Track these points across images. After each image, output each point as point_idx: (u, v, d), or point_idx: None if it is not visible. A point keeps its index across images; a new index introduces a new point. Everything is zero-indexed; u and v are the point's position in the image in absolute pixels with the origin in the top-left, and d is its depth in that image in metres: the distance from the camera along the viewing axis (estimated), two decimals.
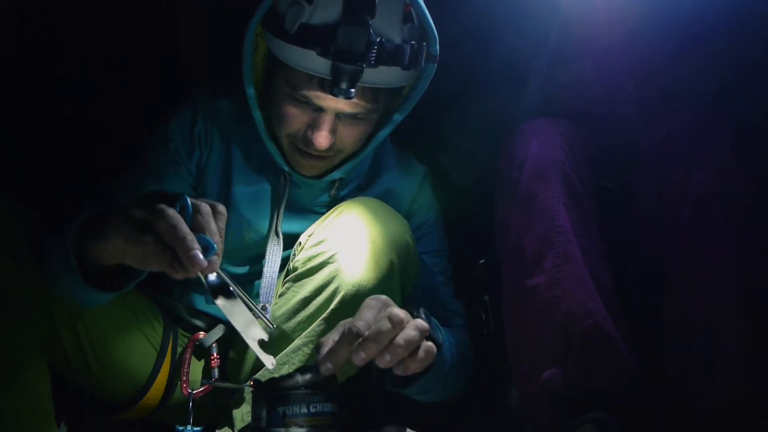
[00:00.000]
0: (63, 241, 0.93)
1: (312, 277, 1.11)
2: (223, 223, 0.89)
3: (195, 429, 1.12)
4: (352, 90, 1.09)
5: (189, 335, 1.24)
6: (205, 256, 0.83)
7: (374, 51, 1.07)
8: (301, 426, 0.88)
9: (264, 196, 1.26)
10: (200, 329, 1.24)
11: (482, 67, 1.41)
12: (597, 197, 1.21)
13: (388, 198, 1.29)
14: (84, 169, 1.50)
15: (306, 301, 1.11)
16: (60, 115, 1.55)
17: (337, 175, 1.24)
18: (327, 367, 0.89)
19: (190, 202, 0.85)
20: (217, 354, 1.20)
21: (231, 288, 0.92)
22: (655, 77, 1.27)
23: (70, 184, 1.47)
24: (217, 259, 0.86)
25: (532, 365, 1.10)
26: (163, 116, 1.25)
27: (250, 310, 0.95)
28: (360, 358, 0.88)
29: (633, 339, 1.10)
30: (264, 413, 0.89)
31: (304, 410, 0.88)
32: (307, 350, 1.10)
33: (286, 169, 1.23)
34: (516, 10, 1.33)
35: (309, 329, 1.10)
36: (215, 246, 0.84)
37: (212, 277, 0.89)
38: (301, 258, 1.14)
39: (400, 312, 0.91)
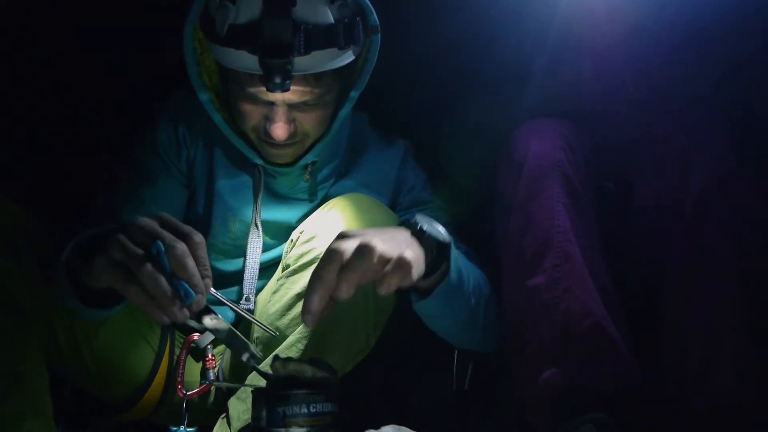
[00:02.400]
0: (59, 268, 0.95)
1: (304, 273, 1.11)
2: (203, 251, 0.89)
3: (189, 430, 1.12)
4: (288, 82, 1.09)
5: (185, 337, 1.24)
6: (185, 301, 0.86)
7: (301, 39, 1.06)
8: (301, 426, 0.87)
9: (245, 188, 1.28)
10: (196, 331, 1.24)
11: (482, 67, 1.41)
12: (597, 197, 1.21)
13: (372, 176, 1.30)
14: (83, 168, 1.50)
15: (298, 297, 1.11)
16: (59, 116, 1.55)
17: (308, 158, 1.24)
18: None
19: (162, 247, 0.86)
20: (212, 355, 1.20)
21: (229, 306, 0.97)
22: (655, 77, 1.27)
23: (69, 185, 1.48)
24: (199, 302, 0.88)
25: (532, 365, 1.10)
26: (148, 121, 1.27)
27: (250, 322, 0.98)
28: (311, 304, 0.87)
29: (633, 339, 1.10)
30: (264, 413, 0.89)
31: (304, 410, 0.87)
32: (301, 346, 1.09)
33: (258, 162, 1.24)
34: (516, 10, 1.33)
35: (302, 325, 1.10)
36: (192, 294, 0.86)
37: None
38: (293, 255, 1.15)
39: (338, 244, 0.88)
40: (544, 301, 1.10)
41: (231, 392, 1.14)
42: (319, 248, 1.11)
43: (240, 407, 1.11)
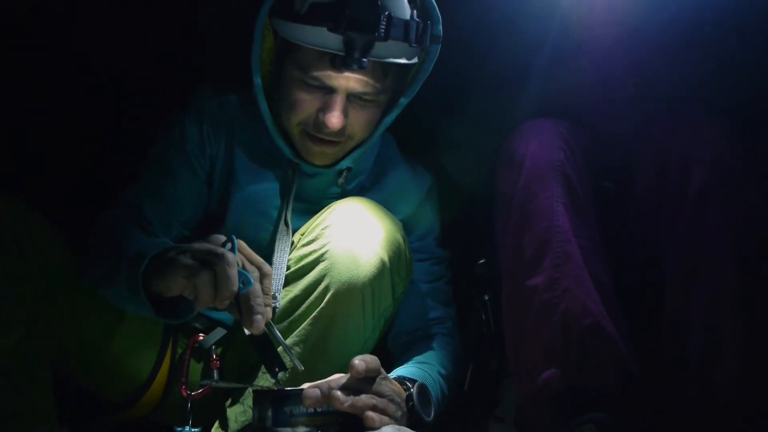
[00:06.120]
0: (132, 279, 1.00)
1: (304, 276, 1.11)
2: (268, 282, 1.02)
3: (193, 430, 1.12)
4: (365, 60, 1.10)
5: (188, 337, 1.23)
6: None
7: (383, 24, 1.09)
8: (307, 425, 0.88)
9: (272, 192, 1.26)
10: (200, 331, 1.23)
11: (482, 67, 1.42)
12: (596, 197, 1.21)
13: (395, 199, 1.30)
14: (91, 167, 1.50)
15: (298, 300, 1.11)
16: (65, 113, 1.54)
17: (346, 163, 1.23)
18: None
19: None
20: (216, 356, 1.19)
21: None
22: (654, 77, 1.28)
23: (77, 183, 1.47)
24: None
25: (531, 365, 1.10)
26: (173, 117, 1.26)
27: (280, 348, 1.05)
28: None
29: (632, 338, 1.10)
30: (269, 413, 0.89)
31: (311, 409, 0.88)
32: (298, 349, 1.09)
33: (295, 159, 1.22)
34: (515, 10, 1.33)
35: (300, 328, 1.10)
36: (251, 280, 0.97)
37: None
38: (293, 257, 1.14)
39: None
40: (543, 301, 1.10)
41: (230, 393, 1.14)
42: (319, 251, 1.10)
43: (237, 409, 1.10)
